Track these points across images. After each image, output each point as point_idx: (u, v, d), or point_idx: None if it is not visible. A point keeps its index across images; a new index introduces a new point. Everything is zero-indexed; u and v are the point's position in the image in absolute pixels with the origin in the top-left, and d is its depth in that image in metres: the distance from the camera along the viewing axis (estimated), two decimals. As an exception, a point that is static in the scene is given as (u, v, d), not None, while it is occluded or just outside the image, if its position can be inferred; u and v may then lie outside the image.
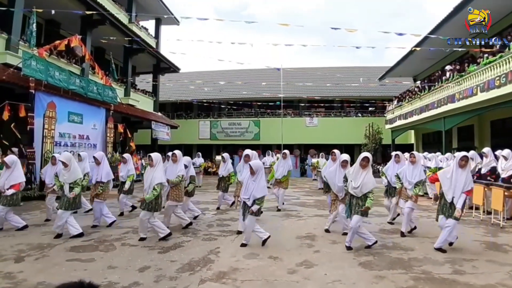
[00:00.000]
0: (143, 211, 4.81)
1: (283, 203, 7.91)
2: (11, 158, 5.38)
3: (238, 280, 3.39)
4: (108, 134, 12.61)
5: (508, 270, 3.71)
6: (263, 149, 16.81)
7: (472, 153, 8.08)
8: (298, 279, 3.45)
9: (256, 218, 4.68)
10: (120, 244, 4.65)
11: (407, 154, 6.12)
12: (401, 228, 5.29)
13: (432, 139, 17.91)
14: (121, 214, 6.83)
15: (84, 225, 5.64)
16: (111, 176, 6.19)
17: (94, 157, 6.16)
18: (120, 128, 13.37)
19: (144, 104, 17.46)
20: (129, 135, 14.02)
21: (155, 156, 4.99)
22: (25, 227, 5.39)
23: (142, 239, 4.84)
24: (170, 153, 6.05)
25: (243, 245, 4.58)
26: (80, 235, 4.92)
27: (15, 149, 8.47)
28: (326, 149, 17.65)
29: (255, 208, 4.46)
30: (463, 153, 4.49)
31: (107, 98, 12.48)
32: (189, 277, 3.47)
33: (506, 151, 6.84)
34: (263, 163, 8.13)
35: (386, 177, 6.35)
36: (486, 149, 7.65)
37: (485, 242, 4.75)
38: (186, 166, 5.86)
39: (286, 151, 8.04)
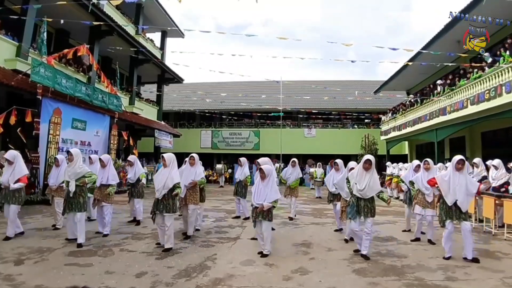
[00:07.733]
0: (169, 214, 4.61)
1: (295, 215, 7.72)
2: (11, 154, 5.28)
3: (233, 287, 3.42)
4: (111, 141, 12.85)
5: (500, 277, 3.75)
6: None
7: None
8: (293, 285, 3.50)
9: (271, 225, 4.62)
10: (119, 250, 4.67)
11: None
12: (428, 236, 5.39)
13: (425, 149, 18.17)
14: (138, 222, 6.57)
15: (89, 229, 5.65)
16: (117, 179, 6.14)
17: (100, 159, 6.06)
18: (124, 135, 13.61)
19: (148, 113, 17.78)
20: (132, 143, 14.22)
21: (168, 156, 4.79)
22: (22, 233, 5.33)
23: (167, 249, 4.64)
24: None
25: (263, 255, 4.42)
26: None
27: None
28: (324, 159, 17.89)
29: (266, 205, 4.35)
30: (460, 156, 4.46)
31: (112, 106, 12.73)
32: (185, 283, 3.48)
33: (496, 161, 6.99)
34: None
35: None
36: (477, 160, 7.81)
37: (478, 249, 4.78)
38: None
39: (295, 159, 7.99)
